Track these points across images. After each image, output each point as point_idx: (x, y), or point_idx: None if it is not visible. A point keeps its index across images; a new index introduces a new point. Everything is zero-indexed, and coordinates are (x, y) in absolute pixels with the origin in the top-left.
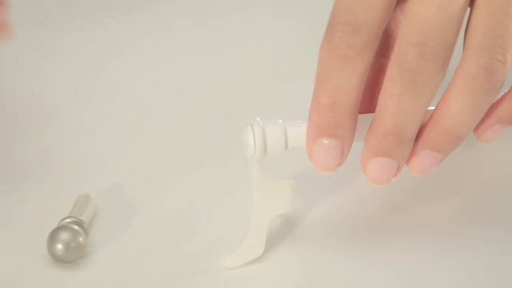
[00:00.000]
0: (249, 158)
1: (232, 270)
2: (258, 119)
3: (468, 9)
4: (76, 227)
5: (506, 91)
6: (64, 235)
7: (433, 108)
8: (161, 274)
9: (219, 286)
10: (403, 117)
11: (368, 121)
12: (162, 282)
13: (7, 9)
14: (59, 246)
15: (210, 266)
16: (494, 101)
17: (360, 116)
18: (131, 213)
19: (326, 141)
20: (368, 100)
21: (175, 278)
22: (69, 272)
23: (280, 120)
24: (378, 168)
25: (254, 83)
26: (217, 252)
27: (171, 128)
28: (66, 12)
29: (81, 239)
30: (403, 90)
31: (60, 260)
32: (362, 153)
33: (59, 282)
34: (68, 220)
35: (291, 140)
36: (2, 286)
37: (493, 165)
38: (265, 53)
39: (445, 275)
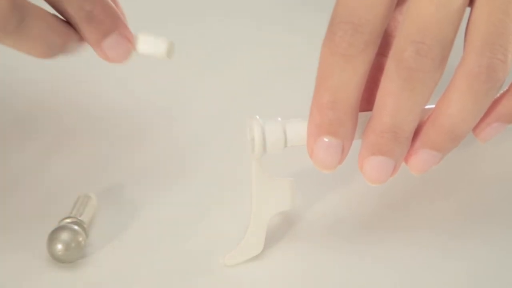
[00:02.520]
0: (249, 155)
1: (231, 268)
2: (257, 117)
3: (468, 8)
4: (76, 227)
5: (505, 89)
6: (64, 235)
7: (432, 106)
8: (161, 273)
9: (219, 283)
10: (401, 115)
11: (367, 119)
12: (162, 281)
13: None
14: (59, 246)
15: (210, 263)
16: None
17: (360, 114)
18: (131, 213)
19: (326, 140)
20: (367, 99)
21: (175, 277)
22: (69, 272)
23: (279, 118)
24: (375, 167)
25: (253, 81)
26: (217, 249)
27: (170, 127)
28: None
29: (81, 239)
30: (400, 88)
31: (60, 260)
32: (360, 151)
33: (59, 282)
34: (68, 220)
35: (290, 138)
36: (2, 286)
37: (492, 163)
38: (265, 52)
39: (445, 273)
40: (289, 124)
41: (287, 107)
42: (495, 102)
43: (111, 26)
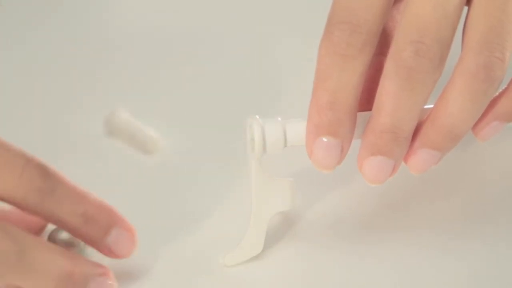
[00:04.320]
0: (249, 155)
1: (231, 268)
2: (257, 117)
3: (465, 8)
4: None
5: (503, 88)
6: (64, 235)
7: (431, 106)
8: (160, 273)
9: (219, 283)
10: (400, 115)
11: (366, 119)
12: (161, 280)
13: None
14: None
15: (210, 264)
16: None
17: (359, 114)
18: (131, 213)
19: (325, 140)
20: (367, 99)
21: (175, 277)
22: None
23: (279, 118)
24: (375, 167)
25: (253, 81)
26: (217, 250)
27: (170, 127)
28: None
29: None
30: (399, 88)
31: None
32: (359, 152)
33: None
34: None
35: (290, 138)
36: None
37: (492, 163)
38: (264, 51)
39: (445, 273)
40: (289, 124)
41: (287, 107)
42: (494, 101)
43: (109, 223)
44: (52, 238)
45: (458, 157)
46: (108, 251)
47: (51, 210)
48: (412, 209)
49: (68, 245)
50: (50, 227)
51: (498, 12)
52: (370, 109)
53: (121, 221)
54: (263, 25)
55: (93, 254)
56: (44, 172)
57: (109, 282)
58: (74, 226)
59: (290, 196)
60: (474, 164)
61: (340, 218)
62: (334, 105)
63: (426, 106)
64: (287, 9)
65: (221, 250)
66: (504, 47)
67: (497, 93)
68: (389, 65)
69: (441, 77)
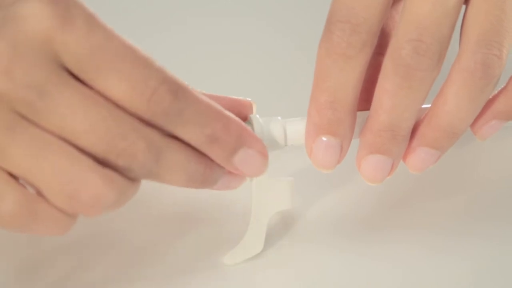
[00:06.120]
0: None
1: (231, 267)
2: (257, 116)
3: (463, 6)
4: None
5: (502, 86)
6: None
7: (428, 105)
8: (160, 272)
9: (219, 282)
10: (398, 113)
11: (365, 118)
12: (161, 279)
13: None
14: None
15: (210, 263)
16: (490, 97)
17: (358, 113)
18: (131, 213)
19: (325, 139)
20: (365, 98)
21: (175, 276)
22: (70, 272)
23: (279, 117)
24: (373, 166)
25: (253, 80)
26: (217, 249)
27: None
28: None
29: None
30: (397, 86)
31: None
32: (358, 151)
33: (58, 283)
34: None
35: (290, 137)
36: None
37: (492, 162)
38: (264, 51)
39: (445, 273)
40: (289, 123)
41: (287, 107)
42: (493, 99)
43: (238, 143)
44: None
45: (458, 156)
46: (234, 170)
47: (175, 130)
48: (412, 209)
49: None
50: None
51: (496, 10)
52: (369, 108)
53: (253, 141)
54: (263, 25)
55: (93, 244)
56: (175, 94)
57: (235, 178)
58: (198, 145)
59: (289, 195)
60: (474, 164)
61: (340, 218)
62: (333, 105)
63: (424, 106)
64: (287, 9)
65: (221, 249)
66: (502, 45)
67: (496, 92)
68: (388, 63)
69: (439, 76)
